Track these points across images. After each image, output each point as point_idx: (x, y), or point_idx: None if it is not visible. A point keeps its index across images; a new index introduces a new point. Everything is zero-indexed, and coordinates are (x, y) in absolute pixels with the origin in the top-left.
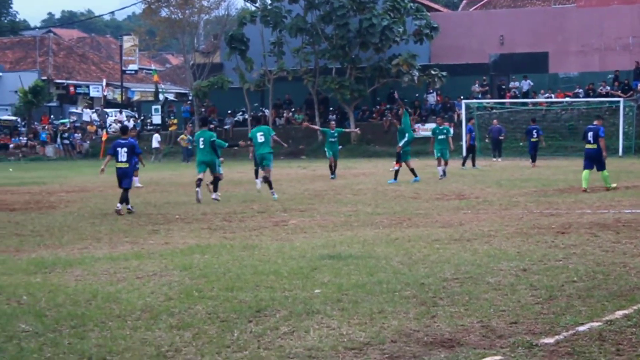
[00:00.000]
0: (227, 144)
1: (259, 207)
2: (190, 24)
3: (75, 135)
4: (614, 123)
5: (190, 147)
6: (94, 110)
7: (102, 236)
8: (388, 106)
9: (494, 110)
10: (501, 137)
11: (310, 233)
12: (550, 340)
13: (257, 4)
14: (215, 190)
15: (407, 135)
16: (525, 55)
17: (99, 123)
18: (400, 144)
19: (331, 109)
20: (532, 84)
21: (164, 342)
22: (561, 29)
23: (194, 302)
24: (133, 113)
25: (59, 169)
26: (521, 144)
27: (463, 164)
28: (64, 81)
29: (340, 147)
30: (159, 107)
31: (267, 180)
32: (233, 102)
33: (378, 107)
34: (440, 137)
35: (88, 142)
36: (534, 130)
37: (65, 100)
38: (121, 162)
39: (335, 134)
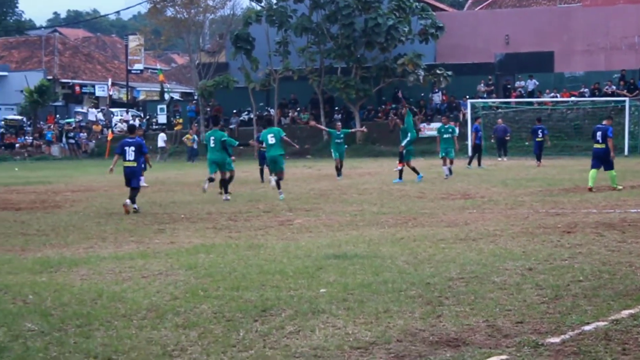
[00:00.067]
0: (237, 143)
1: (265, 206)
2: (196, 23)
3: (81, 134)
4: (620, 122)
5: (195, 147)
6: (99, 109)
7: (107, 235)
8: (393, 106)
9: (500, 110)
10: (507, 138)
11: (315, 232)
12: (556, 339)
13: (262, 4)
14: (225, 191)
15: (409, 134)
16: (531, 54)
17: (104, 122)
18: (403, 144)
19: (337, 108)
20: (537, 83)
21: (169, 341)
22: (567, 28)
23: (200, 302)
24: (138, 112)
25: (65, 169)
26: (527, 143)
27: (469, 164)
28: (69, 81)
29: (345, 146)
30: (164, 106)
31: (279, 180)
32: (238, 101)
33: (383, 106)
34: (445, 136)
35: (94, 141)
36: (539, 130)
37: (70, 100)
38: (129, 160)
39: (342, 135)
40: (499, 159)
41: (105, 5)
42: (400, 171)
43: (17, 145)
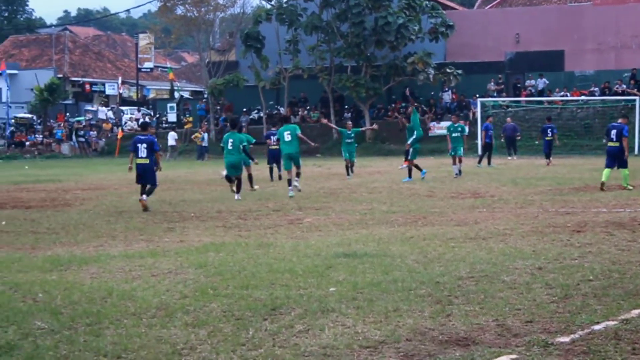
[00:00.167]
0: (254, 140)
1: (274, 205)
2: (206, 21)
3: (91, 133)
4: (630, 121)
5: (205, 145)
6: (109, 108)
7: (117, 234)
8: (403, 104)
9: (510, 109)
10: (518, 137)
11: (325, 231)
12: (565, 339)
13: (272, 2)
14: (238, 191)
15: (415, 132)
16: (541, 53)
17: (114, 121)
18: (409, 141)
19: (346, 107)
20: (547, 82)
21: (179, 339)
22: (577, 27)
23: (209, 300)
24: (148, 111)
25: (75, 167)
26: (537, 142)
27: (479, 162)
28: (79, 79)
29: (356, 145)
30: (174, 105)
31: (297, 173)
32: (248, 100)
33: (393, 105)
34: (454, 135)
35: (103, 139)
36: (549, 129)
37: (80, 98)
38: (141, 157)
39: (352, 135)
40: (509, 157)
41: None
42: (410, 170)
43: (27, 143)
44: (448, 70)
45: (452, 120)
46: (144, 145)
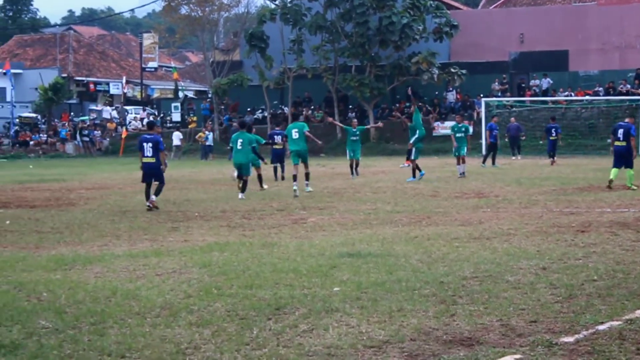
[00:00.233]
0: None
1: (278, 205)
2: (210, 21)
3: (95, 132)
4: (634, 121)
5: (210, 144)
6: (113, 107)
7: (121, 233)
8: (407, 104)
9: (514, 109)
10: (522, 137)
11: (329, 231)
12: (570, 339)
13: (277, 2)
14: (243, 191)
15: (418, 131)
16: (545, 53)
17: (118, 120)
18: (412, 141)
19: (350, 107)
20: (552, 82)
21: (183, 339)
22: (581, 27)
23: (213, 300)
24: (153, 110)
25: (79, 166)
26: (541, 142)
27: (483, 162)
28: (84, 78)
29: (360, 145)
30: (178, 104)
31: (306, 174)
32: (252, 99)
33: (397, 105)
34: (458, 135)
35: (108, 139)
36: (553, 129)
37: (85, 98)
38: (147, 157)
39: (357, 132)
40: (513, 157)
41: (120, 3)
42: (414, 170)
43: (31, 142)
44: (452, 70)
45: (456, 120)
46: (150, 144)
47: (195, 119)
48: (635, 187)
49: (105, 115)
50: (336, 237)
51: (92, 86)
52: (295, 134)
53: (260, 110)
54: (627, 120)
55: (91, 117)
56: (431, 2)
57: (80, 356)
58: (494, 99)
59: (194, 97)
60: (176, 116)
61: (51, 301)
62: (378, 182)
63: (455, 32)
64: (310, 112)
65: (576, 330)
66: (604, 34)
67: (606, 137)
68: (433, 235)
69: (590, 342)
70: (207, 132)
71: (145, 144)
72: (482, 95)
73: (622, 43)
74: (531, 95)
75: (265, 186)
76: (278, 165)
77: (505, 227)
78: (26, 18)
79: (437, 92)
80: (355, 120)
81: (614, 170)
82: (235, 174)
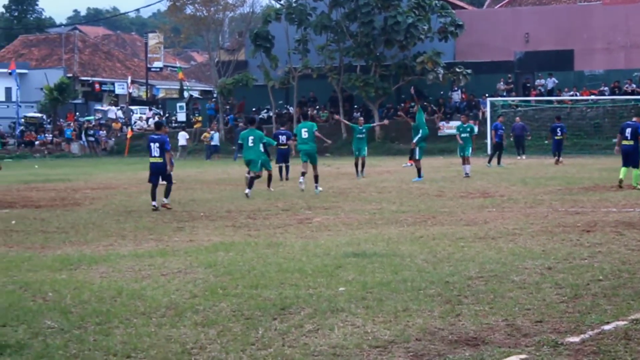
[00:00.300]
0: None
1: (284, 204)
2: (215, 21)
3: (100, 132)
4: None
5: (216, 144)
6: (119, 107)
7: (127, 233)
8: (412, 104)
9: (519, 108)
10: (528, 137)
11: (334, 231)
12: (575, 339)
13: (282, 2)
14: (249, 187)
15: (421, 131)
16: (551, 52)
17: (124, 120)
18: (415, 140)
19: (356, 106)
20: (557, 81)
21: (188, 339)
22: (587, 26)
23: (219, 300)
24: (158, 110)
25: (84, 166)
26: (546, 142)
27: (489, 162)
28: (89, 78)
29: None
30: (183, 104)
31: (316, 176)
32: (257, 99)
33: (403, 104)
34: (463, 135)
35: (113, 139)
36: (558, 128)
37: (90, 98)
38: (154, 157)
39: (364, 130)
40: (518, 157)
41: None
42: (419, 169)
43: (37, 142)
44: (457, 69)
45: (461, 120)
46: (157, 144)
47: (200, 118)
48: None
49: (111, 115)
50: (341, 237)
51: (97, 86)
52: (304, 134)
53: (265, 110)
54: (634, 119)
55: (96, 117)
56: (436, 1)
57: (86, 356)
58: (499, 98)
59: (199, 97)
60: (181, 116)
61: (57, 301)
62: (383, 182)
63: (461, 31)
64: (315, 112)
65: (582, 330)
66: (609, 33)
67: (611, 137)
68: (438, 235)
69: (596, 342)
70: (212, 132)
71: (152, 144)
72: (487, 95)
73: (628, 42)
74: (536, 95)
75: (271, 189)
76: (283, 165)
77: (511, 227)
78: (31, 18)
79: (442, 92)
80: (362, 118)
81: (623, 170)
82: (250, 175)
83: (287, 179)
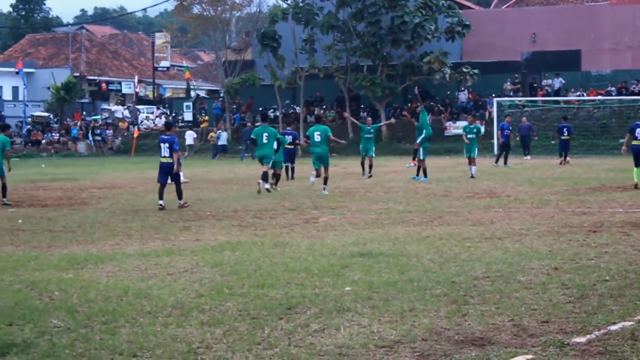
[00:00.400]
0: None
1: (290, 204)
2: (222, 21)
3: (107, 131)
4: None
5: (223, 143)
6: (125, 106)
7: (133, 232)
8: (418, 104)
9: (526, 108)
10: (534, 137)
11: (340, 231)
12: (582, 339)
13: (288, 1)
14: (266, 180)
15: (424, 131)
16: (558, 53)
17: (130, 119)
18: (418, 140)
19: (362, 106)
20: (564, 81)
21: (194, 338)
22: (594, 26)
23: (225, 299)
24: (165, 110)
25: (91, 165)
26: (553, 142)
27: (496, 162)
28: (96, 78)
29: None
30: (190, 104)
31: (325, 178)
32: (264, 99)
33: (409, 104)
34: (469, 136)
35: (120, 138)
36: (565, 128)
37: (97, 97)
38: (164, 157)
39: (372, 130)
40: (525, 157)
41: (132, 2)
42: (424, 169)
43: (43, 141)
44: (464, 69)
45: (468, 120)
46: (166, 145)
47: (207, 118)
48: None
49: (117, 114)
50: (348, 237)
51: (104, 85)
52: (317, 137)
53: (272, 110)
54: None
55: (103, 117)
56: (443, 1)
57: (92, 355)
58: (506, 98)
59: (205, 96)
60: (188, 115)
61: (63, 300)
62: (390, 182)
63: (467, 31)
64: (322, 111)
65: (588, 331)
66: (616, 33)
67: (619, 137)
68: (445, 235)
69: (602, 342)
70: (219, 132)
71: (162, 145)
72: (494, 95)
73: (635, 43)
74: (543, 95)
75: (278, 188)
76: (289, 165)
77: (517, 227)
78: (39, 17)
79: (449, 92)
80: (370, 118)
81: (636, 171)
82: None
83: (292, 178)
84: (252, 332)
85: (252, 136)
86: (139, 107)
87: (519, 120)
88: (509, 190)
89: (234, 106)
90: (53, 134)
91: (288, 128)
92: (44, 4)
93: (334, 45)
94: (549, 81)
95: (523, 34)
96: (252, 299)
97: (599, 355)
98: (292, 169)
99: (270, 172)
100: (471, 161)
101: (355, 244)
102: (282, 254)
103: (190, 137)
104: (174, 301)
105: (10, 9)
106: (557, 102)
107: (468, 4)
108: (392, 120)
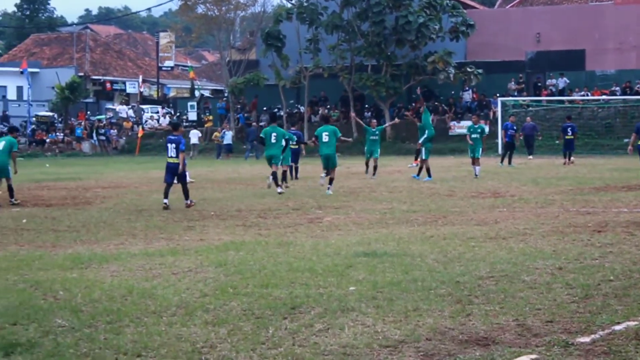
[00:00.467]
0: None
1: (294, 204)
2: (227, 20)
3: (112, 131)
4: None
5: (229, 142)
6: (130, 106)
7: (137, 232)
8: (426, 103)
9: (530, 108)
10: (539, 137)
11: (345, 230)
12: (586, 339)
13: (293, 1)
14: (277, 182)
15: (427, 132)
16: (562, 52)
17: (135, 119)
18: (420, 141)
19: (367, 106)
20: (568, 81)
21: (199, 338)
22: (598, 26)
23: (229, 299)
24: (169, 110)
25: (95, 165)
26: (557, 142)
27: (501, 161)
28: (100, 77)
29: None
30: (194, 103)
31: (331, 178)
32: (269, 99)
33: (414, 104)
34: (473, 135)
35: (124, 138)
36: (569, 128)
37: (101, 97)
38: (171, 157)
39: (377, 132)
40: (528, 157)
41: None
42: (428, 169)
43: (47, 141)
44: (468, 69)
45: (472, 120)
46: (173, 145)
47: (211, 118)
48: None
49: (122, 114)
50: (352, 237)
51: (108, 85)
52: (325, 137)
53: (276, 110)
54: None
55: (107, 116)
56: (447, 1)
57: (97, 355)
58: (510, 98)
59: (210, 96)
60: (192, 115)
61: (67, 300)
62: (394, 182)
63: (472, 31)
64: (326, 111)
65: (592, 331)
66: (620, 33)
67: (623, 137)
68: (449, 235)
69: (607, 342)
70: (224, 131)
71: (169, 145)
72: (498, 94)
73: (639, 43)
74: (547, 95)
75: (289, 185)
76: (292, 165)
77: (522, 227)
78: (43, 17)
79: (453, 92)
80: (374, 120)
81: None
82: (269, 180)
83: (296, 178)
84: (256, 331)
85: (261, 135)
86: (143, 106)
87: (523, 120)
88: (513, 190)
89: (238, 106)
90: (57, 133)
91: (292, 128)
92: (49, 4)
93: (338, 45)
94: (554, 81)
95: (527, 33)
96: (257, 298)
97: (603, 355)
98: (296, 168)
99: (280, 170)
100: (475, 161)
101: (359, 243)
102: (286, 254)
103: (195, 136)
104: (179, 301)
105: (15, 9)
106: (562, 101)
107: (472, 3)
108: (397, 120)
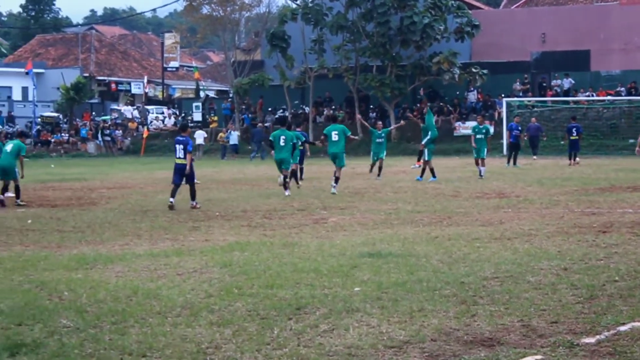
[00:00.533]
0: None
1: (299, 204)
2: (232, 21)
3: (117, 131)
4: None
5: (235, 143)
6: (135, 107)
7: (142, 233)
8: (429, 104)
9: (535, 109)
10: (543, 138)
11: (350, 231)
12: (591, 339)
13: (298, 2)
14: (286, 187)
15: (430, 133)
16: (567, 53)
17: (140, 120)
18: (423, 142)
19: (371, 106)
20: (573, 82)
21: (204, 338)
22: (603, 26)
23: (234, 299)
24: (174, 110)
25: (100, 166)
26: (562, 142)
27: (508, 162)
28: (105, 78)
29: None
30: (199, 104)
31: (337, 177)
32: (273, 99)
33: (418, 105)
34: (478, 136)
35: (129, 138)
36: (574, 128)
37: (106, 97)
38: (179, 158)
39: (383, 135)
40: (533, 157)
41: (142, 2)
42: (432, 170)
43: (53, 142)
44: (473, 70)
45: (477, 121)
46: (181, 146)
47: (216, 118)
48: None
49: (127, 114)
50: (357, 237)
51: (113, 86)
52: (335, 136)
53: (281, 110)
54: None
55: (112, 117)
56: (452, 1)
57: (102, 355)
58: (515, 99)
59: (215, 96)
60: (197, 116)
61: (72, 300)
62: (399, 182)
63: (477, 31)
64: (331, 112)
65: (597, 331)
66: (626, 33)
67: (628, 138)
68: (454, 236)
69: (612, 343)
70: (230, 132)
71: (177, 146)
72: (503, 95)
73: None
74: (553, 95)
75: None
76: (297, 165)
77: (527, 228)
78: (48, 18)
79: (458, 92)
80: (380, 122)
81: None
82: (281, 178)
83: (301, 178)
84: (261, 332)
85: (270, 138)
86: (148, 107)
87: (528, 121)
88: (518, 191)
89: (243, 106)
90: (62, 134)
91: (297, 129)
92: (54, 5)
93: (343, 46)
94: (559, 81)
95: (532, 34)
96: (262, 299)
97: (608, 356)
98: (301, 169)
99: (290, 170)
100: (479, 162)
101: (364, 244)
102: (291, 255)
103: (200, 136)
104: (183, 301)
105: (20, 10)
106: (567, 102)
107: (477, 4)
108: (402, 122)
